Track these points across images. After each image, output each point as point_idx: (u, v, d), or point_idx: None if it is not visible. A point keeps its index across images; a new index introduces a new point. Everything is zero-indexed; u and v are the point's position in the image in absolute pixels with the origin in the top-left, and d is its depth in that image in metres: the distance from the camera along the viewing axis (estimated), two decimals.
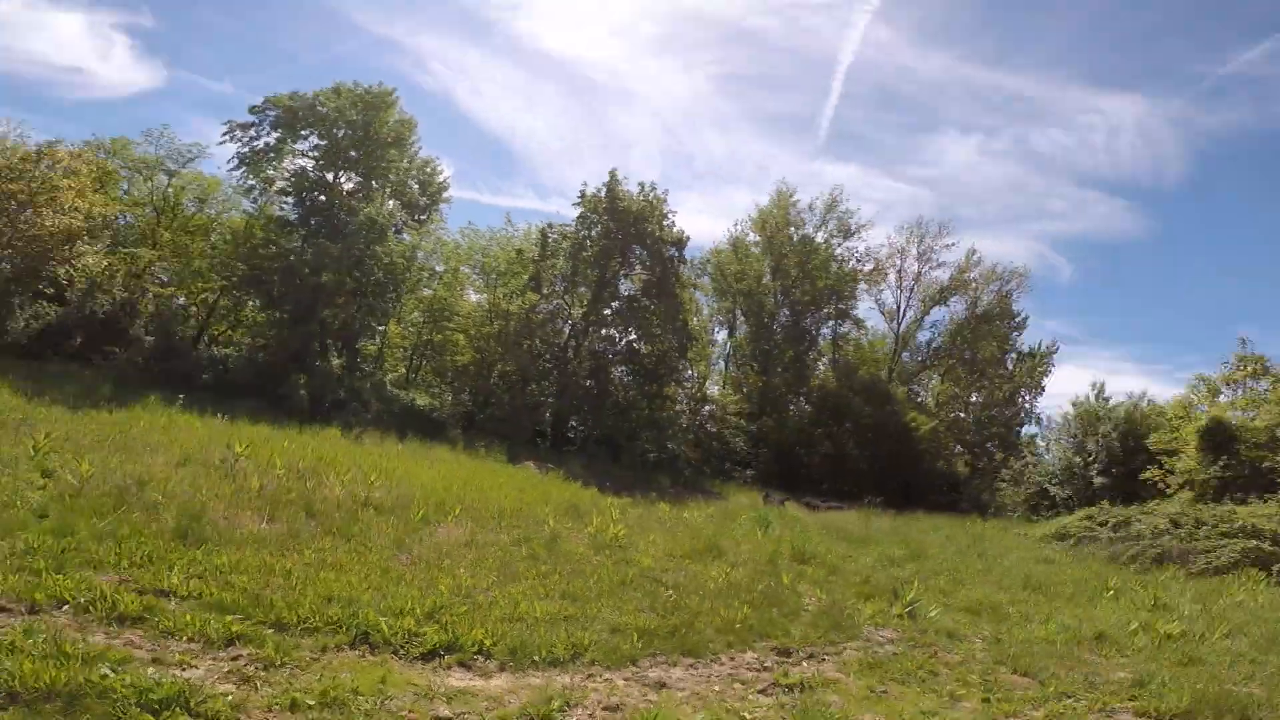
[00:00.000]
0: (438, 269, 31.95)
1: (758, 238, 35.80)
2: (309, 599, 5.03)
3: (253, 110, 25.60)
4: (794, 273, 34.04)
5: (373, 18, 75.04)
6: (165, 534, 6.10)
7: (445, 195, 37.74)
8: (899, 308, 37.23)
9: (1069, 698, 5.23)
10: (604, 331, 30.20)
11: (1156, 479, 23.53)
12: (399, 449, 17.35)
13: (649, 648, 5.46)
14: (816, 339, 35.72)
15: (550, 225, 29.92)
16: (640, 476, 22.08)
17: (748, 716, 4.38)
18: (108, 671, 3.49)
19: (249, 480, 8.72)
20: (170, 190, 27.51)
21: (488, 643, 4.95)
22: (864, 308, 39.53)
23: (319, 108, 25.62)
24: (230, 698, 3.55)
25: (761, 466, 30.57)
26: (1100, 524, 18.31)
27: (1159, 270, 74.80)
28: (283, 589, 5.20)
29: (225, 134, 25.47)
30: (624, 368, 29.57)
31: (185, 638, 4.22)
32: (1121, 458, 28.05)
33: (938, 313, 36.94)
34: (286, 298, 23.85)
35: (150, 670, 3.68)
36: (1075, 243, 72.62)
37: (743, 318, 36.27)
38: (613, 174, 28.66)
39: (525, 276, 29.16)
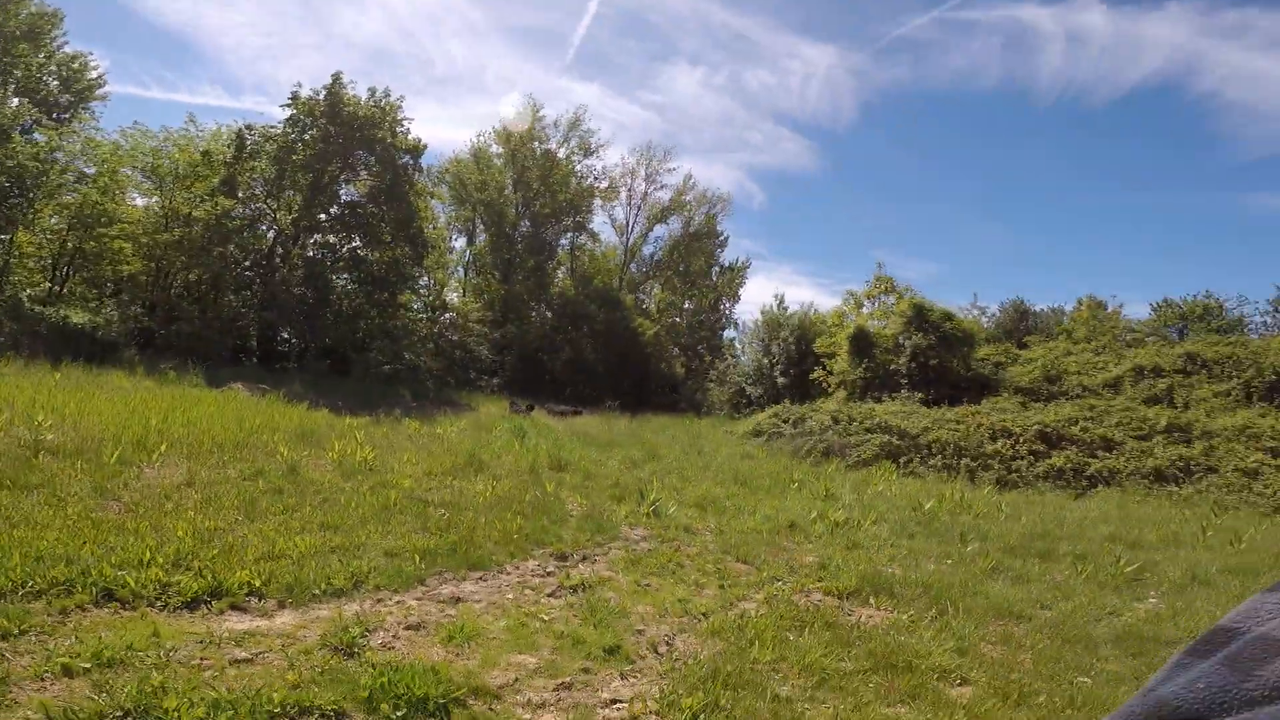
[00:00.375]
0: (88, 171, 26.47)
1: (501, 149, 35.45)
2: (15, 562, 4.12)
3: None
4: (536, 185, 34.44)
5: None
6: None
7: (99, 93, 33.08)
8: (628, 223, 40.25)
9: (778, 581, 6.34)
10: (320, 238, 27.55)
11: (821, 379, 28.92)
12: (56, 378, 14.15)
13: (433, 567, 5.54)
14: (556, 249, 36.88)
15: (249, 126, 26.32)
16: (378, 391, 20.94)
17: (546, 618, 4.77)
18: None
19: None
20: None
21: (256, 583, 4.60)
22: (598, 221, 42.33)
23: None
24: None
25: (507, 374, 31.06)
26: (784, 420, 22.08)
27: (829, 200, 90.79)
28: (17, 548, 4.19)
29: None
30: (348, 275, 27.36)
31: None
32: (797, 359, 33.40)
33: (660, 229, 40.93)
34: None
35: None
36: (767, 173, 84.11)
37: (483, 226, 35.88)
38: (336, 77, 26.28)
39: (215, 180, 25.27)
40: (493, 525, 6.80)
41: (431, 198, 33.20)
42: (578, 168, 36.32)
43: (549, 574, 5.80)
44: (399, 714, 3.24)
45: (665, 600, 5.44)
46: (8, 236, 23.69)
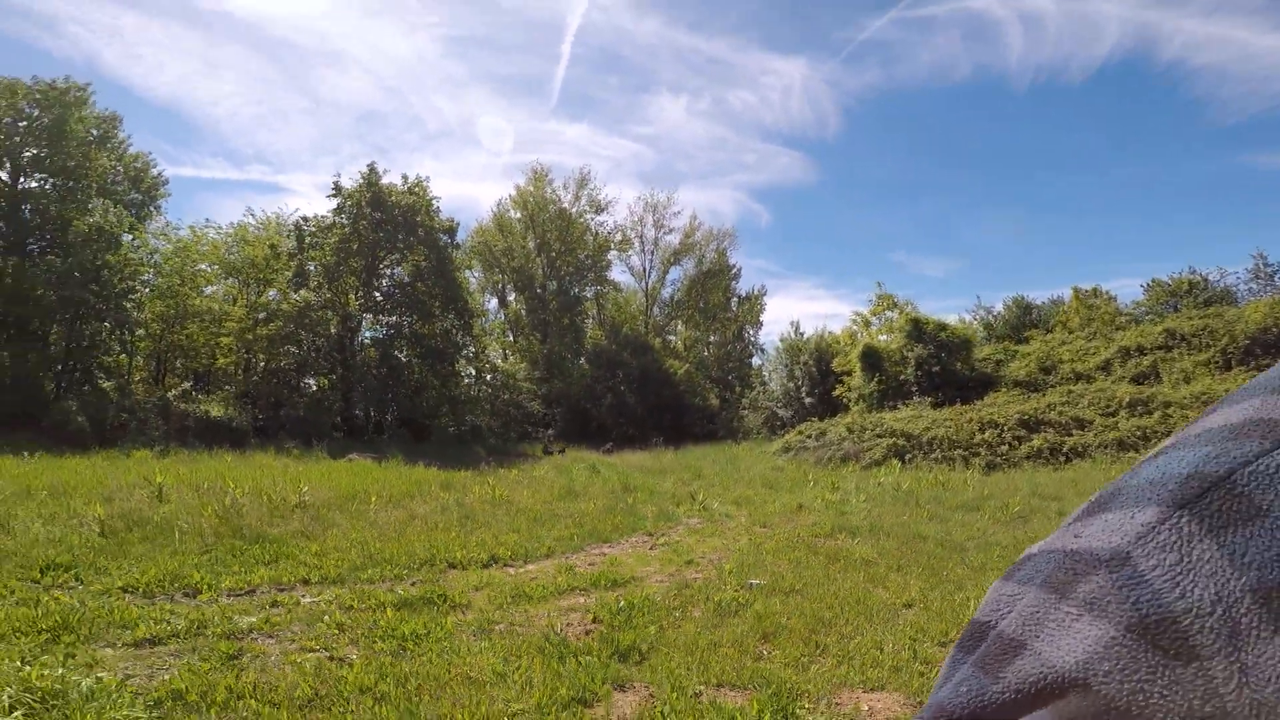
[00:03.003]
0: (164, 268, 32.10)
1: (519, 214, 40.95)
2: (393, 556, 9.04)
3: None
4: (556, 246, 39.73)
5: None
6: (240, 535, 9.43)
7: (163, 189, 37.88)
8: (645, 269, 45.61)
9: (784, 534, 11.21)
10: (385, 318, 32.98)
11: (842, 395, 33.41)
12: (229, 460, 19.42)
13: (584, 543, 10.39)
14: (582, 302, 42.16)
15: (305, 219, 31.91)
16: (458, 451, 26.05)
17: (651, 555, 9.58)
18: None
19: (203, 503, 11.61)
20: None
21: (508, 554, 9.47)
22: (616, 270, 47.70)
23: None
24: (458, 589, 7.78)
25: (559, 425, 36.11)
26: (808, 436, 26.68)
27: (832, 209, 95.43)
28: (383, 551, 9.15)
29: None
30: (409, 350, 32.72)
31: (360, 587, 8.17)
32: (819, 379, 37.94)
33: (674, 271, 46.34)
34: None
35: (387, 588, 7.70)
36: (767, 191, 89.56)
37: (513, 289, 41.36)
38: (372, 168, 31.72)
39: (284, 272, 30.79)
40: (605, 522, 11.67)
41: (468, 269, 38.75)
42: (591, 224, 41.93)
43: (645, 541, 10.63)
44: (607, 585, 8.04)
45: (715, 545, 10.25)
46: (129, 336, 29.23)
